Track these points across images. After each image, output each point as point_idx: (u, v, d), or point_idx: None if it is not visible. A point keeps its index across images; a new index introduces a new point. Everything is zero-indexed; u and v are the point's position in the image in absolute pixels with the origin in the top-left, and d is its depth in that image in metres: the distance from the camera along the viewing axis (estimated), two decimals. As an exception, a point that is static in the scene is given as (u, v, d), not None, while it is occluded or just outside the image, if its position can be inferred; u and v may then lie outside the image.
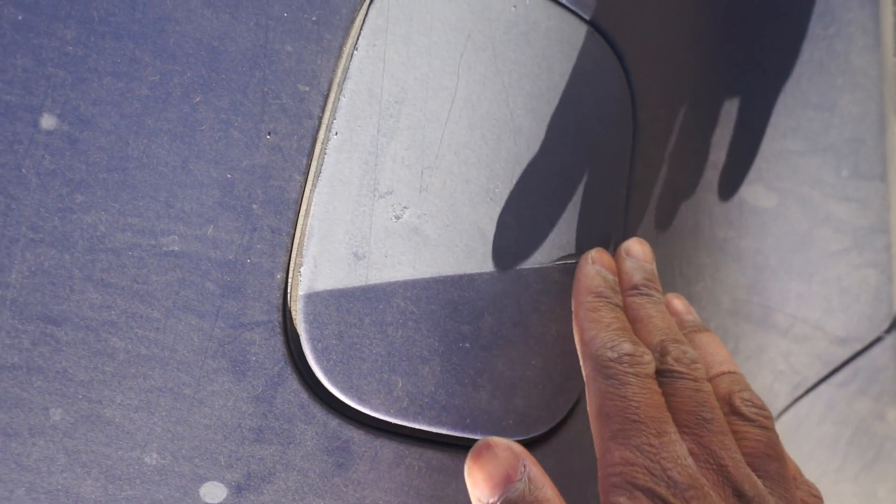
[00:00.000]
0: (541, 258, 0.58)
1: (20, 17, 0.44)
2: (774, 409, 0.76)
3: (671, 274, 0.68)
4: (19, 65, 0.44)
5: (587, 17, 0.61)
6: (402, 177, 0.53)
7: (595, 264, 0.57)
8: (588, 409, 0.51)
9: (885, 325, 0.82)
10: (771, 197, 0.74)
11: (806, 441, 0.80)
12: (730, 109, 0.71)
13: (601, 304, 0.55)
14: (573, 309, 0.56)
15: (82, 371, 0.45)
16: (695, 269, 0.70)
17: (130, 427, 0.46)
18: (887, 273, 0.81)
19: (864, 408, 0.83)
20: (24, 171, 0.44)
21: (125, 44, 0.46)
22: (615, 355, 0.50)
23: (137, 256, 0.46)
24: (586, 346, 0.52)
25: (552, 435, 0.60)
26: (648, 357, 0.51)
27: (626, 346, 0.50)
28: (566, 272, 0.60)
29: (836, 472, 0.83)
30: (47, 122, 0.44)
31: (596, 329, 0.52)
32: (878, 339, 0.81)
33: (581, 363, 0.53)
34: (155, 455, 0.47)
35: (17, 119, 0.44)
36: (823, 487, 0.82)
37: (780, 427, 0.77)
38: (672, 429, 0.48)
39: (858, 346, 0.81)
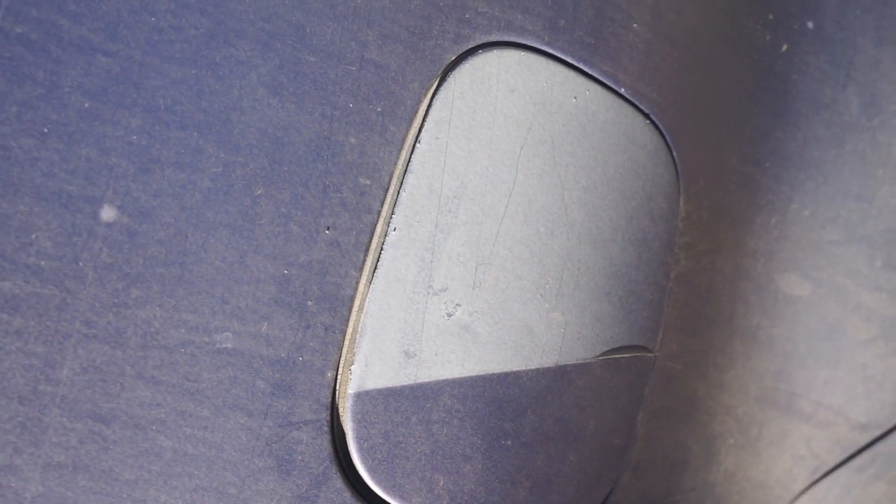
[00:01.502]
0: (584, 353, 0.56)
1: (87, 105, 0.42)
2: (791, 492, 0.75)
3: (705, 364, 0.66)
4: (83, 154, 0.41)
5: (645, 110, 0.59)
6: (456, 273, 0.50)
7: None
8: None
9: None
10: (805, 286, 0.72)
11: (820, 524, 0.78)
12: (772, 199, 0.69)
13: None
14: None
15: (128, 470, 0.43)
16: (727, 358, 0.68)
17: (174, 528, 0.44)
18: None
19: (879, 491, 0.81)
20: (81, 264, 0.42)
21: (189, 134, 0.44)
22: None
23: (190, 353, 0.44)
24: None
25: (584, 529, 0.58)
26: None
27: None
28: (607, 367, 0.58)
29: (846, 554, 0.82)
30: (107, 213, 0.42)
31: None
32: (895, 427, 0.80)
33: None
34: (197, 557, 0.45)
35: (78, 210, 0.41)
36: (832, 568, 0.80)
37: (796, 510, 0.75)
38: None
39: (878, 432, 0.79)
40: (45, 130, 0.41)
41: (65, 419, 0.41)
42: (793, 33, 0.69)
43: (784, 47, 0.68)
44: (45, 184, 0.41)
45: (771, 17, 0.67)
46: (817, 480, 0.76)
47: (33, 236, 0.41)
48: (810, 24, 0.70)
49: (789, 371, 0.72)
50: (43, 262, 0.41)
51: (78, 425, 0.41)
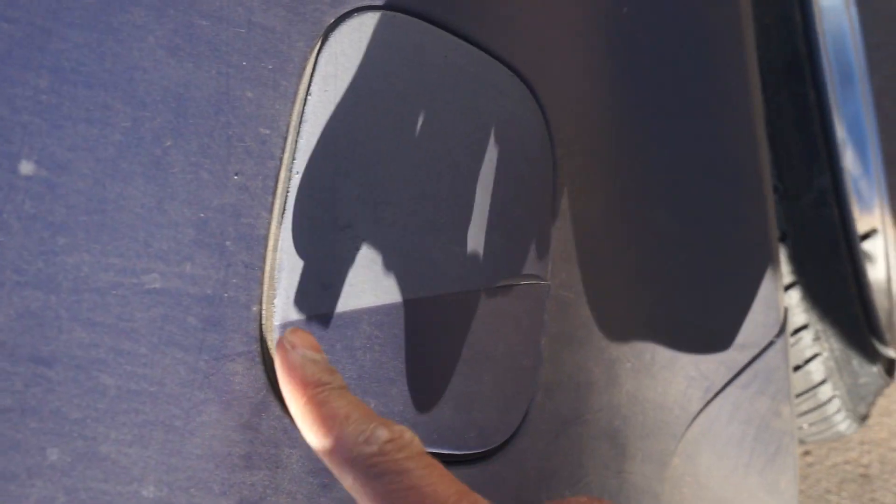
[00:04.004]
0: (484, 282, 0.59)
1: None
2: (689, 412, 0.79)
3: (594, 293, 0.70)
4: None
5: (509, 63, 0.63)
6: (358, 212, 0.53)
7: (297, 349, 0.45)
8: None
9: (776, 331, 0.86)
10: (671, 219, 0.77)
11: (718, 440, 0.82)
12: (630, 141, 0.74)
13: (325, 394, 0.42)
14: (292, 411, 0.44)
15: (75, 409, 0.43)
16: (612, 287, 0.72)
17: (126, 462, 0.44)
18: (774, 284, 0.86)
19: (764, 406, 0.86)
20: (5, 215, 0.42)
21: (97, 92, 0.45)
22: (375, 448, 0.39)
23: (121, 295, 0.45)
24: (334, 453, 0.40)
25: (507, 444, 0.60)
26: (409, 433, 0.40)
27: (382, 432, 0.39)
28: (507, 294, 0.61)
29: (745, 468, 0.86)
30: (25, 168, 0.43)
31: (335, 427, 0.40)
32: (770, 344, 0.85)
33: (337, 475, 0.41)
34: (152, 488, 0.45)
35: (-2, 168, 0.42)
36: (735, 482, 0.84)
37: (696, 429, 0.79)
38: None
39: (756, 351, 0.84)
40: None
41: (6, 364, 0.42)
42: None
43: (625, 8, 0.74)
44: (-37, 144, 0.42)
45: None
46: (710, 400, 0.80)
47: None
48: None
49: (671, 299, 0.76)
50: None
51: (20, 369, 0.42)
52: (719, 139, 0.82)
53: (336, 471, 0.40)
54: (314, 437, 0.42)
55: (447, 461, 0.54)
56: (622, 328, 0.72)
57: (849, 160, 1.62)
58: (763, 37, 0.94)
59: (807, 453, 1.69)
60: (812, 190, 0.98)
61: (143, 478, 0.44)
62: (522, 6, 0.65)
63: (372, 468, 0.38)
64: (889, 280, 1.50)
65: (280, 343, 0.45)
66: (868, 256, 1.58)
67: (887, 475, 1.62)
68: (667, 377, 0.77)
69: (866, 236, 1.59)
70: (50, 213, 0.43)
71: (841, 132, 1.47)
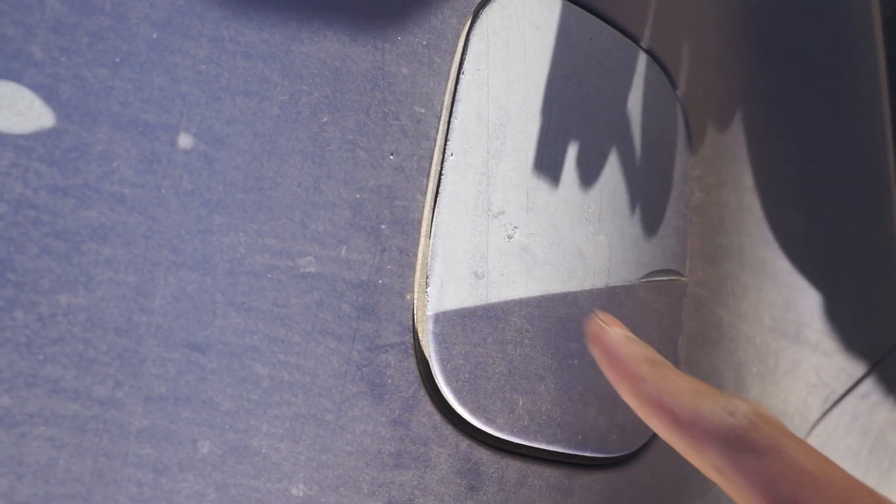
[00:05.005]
0: (629, 276, 0.55)
1: (155, 36, 0.39)
2: (808, 421, 0.74)
3: (725, 293, 0.65)
4: (155, 83, 0.39)
5: (649, 50, 0.59)
6: (511, 197, 0.49)
7: (612, 327, 0.40)
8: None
9: (892, 341, 0.81)
10: (800, 219, 0.72)
11: (834, 452, 0.78)
12: (763, 137, 0.70)
13: (663, 370, 0.37)
14: (626, 390, 0.38)
15: (228, 400, 0.40)
16: (742, 288, 0.67)
17: (277, 458, 0.41)
18: (895, 288, 0.81)
19: (882, 418, 0.81)
20: (163, 191, 0.39)
21: (255, 63, 0.41)
22: (743, 421, 0.33)
23: (276, 279, 0.41)
24: (694, 428, 0.34)
25: (645, 449, 0.56)
26: (762, 407, 0.34)
27: (742, 405, 0.33)
28: (650, 289, 0.56)
29: (861, 480, 0.81)
30: (184, 141, 0.40)
31: (690, 399, 0.35)
32: (891, 351, 0.80)
33: (696, 452, 0.34)
34: (301, 486, 0.41)
35: (156, 138, 0.39)
36: (848, 495, 0.79)
37: (813, 439, 0.74)
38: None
39: (876, 358, 0.79)
40: (117, 60, 0.38)
41: (161, 349, 0.38)
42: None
43: (755, 1, 0.69)
44: (121, 112, 0.38)
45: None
46: (829, 409, 0.75)
47: (114, 164, 0.38)
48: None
49: (795, 301, 0.71)
50: (126, 190, 0.38)
51: (175, 355, 0.38)
52: (848, 138, 0.76)
53: (694, 447, 0.34)
54: (662, 412, 0.35)
55: (590, 465, 0.50)
56: (749, 331, 0.68)
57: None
58: (886, 31, 0.88)
59: None
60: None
61: (293, 475, 0.41)
62: (659, 2, 0.61)
63: (745, 443, 0.32)
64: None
65: (592, 322, 0.40)
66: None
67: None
68: (789, 384, 0.72)
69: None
70: (207, 190, 0.39)
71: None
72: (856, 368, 0.77)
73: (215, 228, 0.39)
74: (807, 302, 0.73)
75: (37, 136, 0.37)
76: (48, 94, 0.37)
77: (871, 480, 0.81)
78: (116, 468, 0.37)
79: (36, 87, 0.37)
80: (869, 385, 0.78)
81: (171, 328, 0.38)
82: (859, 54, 0.77)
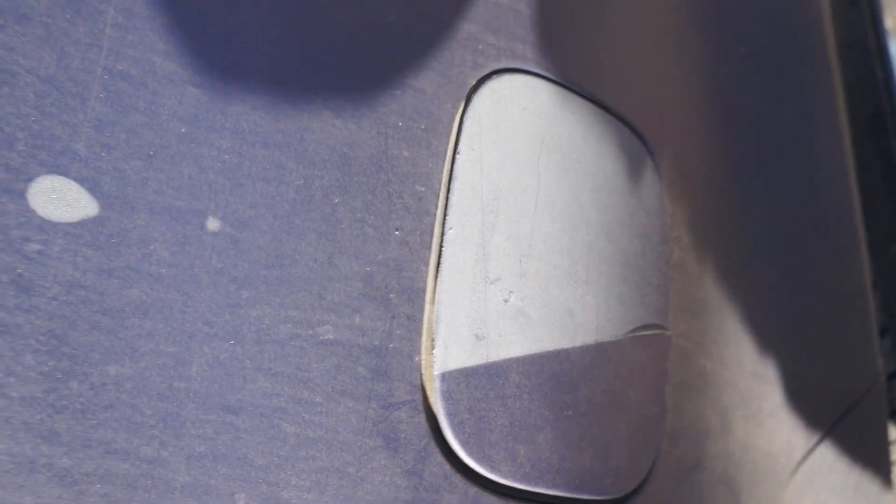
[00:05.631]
0: (616, 332, 0.59)
1: (183, 130, 0.44)
2: (793, 459, 0.78)
3: (707, 343, 0.70)
4: (185, 172, 0.44)
5: (627, 122, 0.64)
6: (505, 265, 0.53)
7: None
8: None
9: (872, 378, 0.85)
10: (772, 274, 0.77)
11: (821, 490, 0.81)
12: (736, 199, 0.75)
13: None
14: None
15: (260, 456, 0.43)
16: (724, 337, 0.72)
17: (304, 508, 0.44)
18: (868, 331, 0.85)
19: (864, 454, 0.85)
20: (195, 270, 0.43)
21: (272, 152, 0.46)
22: None
23: (299, 346, 0.45)
24: None
25: (639, 490, 0.60)
26: None
27: None
28: (636, 343, 0.61)
29: (845, 516, 0.85)
30: (212, 224, 0.44)
31: None
32: (867, 391, 0.84)
33: None
34: (327, 533, 0.45)
35: (187, 222, 0.43)
36: (835, 532, 0.83)
37: (799, 477, 0.78)
38: None
39: (853, 398, 0.83)
40: (151, 153, 0.43)
41: (200, 412, 0.42)
42: (732, 59, 0.76)
43: (725, 69, 0.75)
44: (156, 200, 0.43)
45: (713, 43, 0.74)
46: (812, 449, 0.79)
47: (151, 247, 0.42)
48: (742, 51, 0.77)
49: (774, 347, 0.76)
50: (163, 270, 0.42)
51: (212, 417, 0.42)
52: (816, 194, 0.82)
53: None
54: None
55: (587, 508, 0.54)
56: (732, 377, 0.72)
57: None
58: (848, 93, 0.94)
59: None
60: (899, 240, 0.98)
61: (320, 524, 0.45)
62: (640, 71, 0.66)
63: None
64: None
65: None
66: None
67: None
68: (773, 425, 0.76)
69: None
70: (234, 268, 0.44)
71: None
72: (834, 409, 0.81)
73: (243, 302, 0.44)
74: (785, 348, 0.77)
75: (83, 224, 0.41)
76: (92, 186, 0.42)
77: (856, 516, 0.84)
78: (160, 522, 0.41)
79: (81, 180, 0.41)
80: (848, 424, 0.82)
81: (208, 393, 0.42)
82: (824, 119, 0.83)
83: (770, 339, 0.75)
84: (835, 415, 0.81)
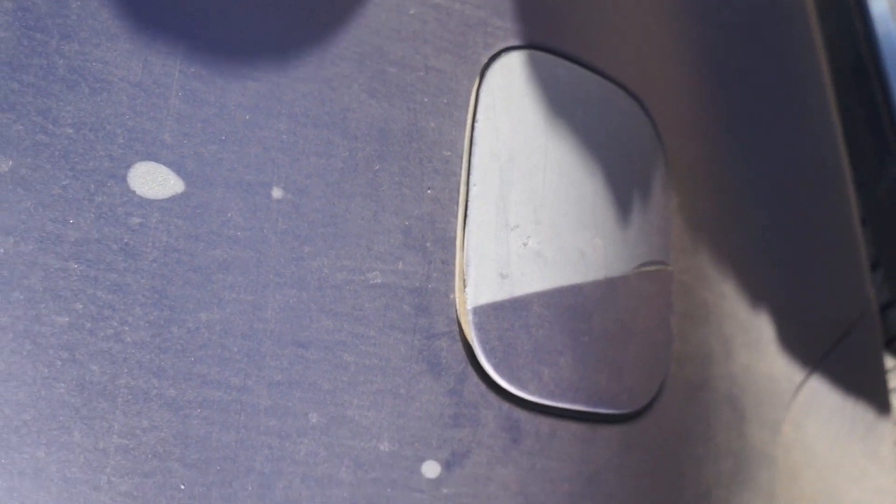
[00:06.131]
0: (623, 268, 0.68)
1: (248, 117, 0.53)
2: (793, 382, 0.86)
3: (707, 278, 0.78)
4: (252, 152, 0.53)
5: (624, 86, 0.72)
6: (523, 214, 0.62)
7: None
8: None
9: (864, 307, 0.93)
10: (766, 214, 0.85)
11: (822, 410, 0.89)
12: (733, 153, 0.83)
13: None
14: None
15: (327, 382, 0.53)
16: (723, 273, 0.80)
17: (367, 423, 0.54)
18: (859, 264, 0.93)
19: (861, 375, 0.93)
20: (265, 231, 0.52)
21: (321, 130, 0.55)
22: None
23: (353, 290, 0.54)
24: None
25: (650, 406, 0.69)
26: None
27: None
28: (642, 278, 0.69)
29: (847, 436, 0.93)
30: (276, 193, 0.53)
31: None
32: (859, 319, 0.92)
33: None
34: (387, 443, 0.54)
35: (256, 193, 0.52)
36: (839, 449, 0.91)
37: (801, 399, 0.86)
38: None
39: (848, 325, 0.91)
40: (223, 138, 0.52)
41: (276, 347, 0.51)
42: (717, 23, 0.84)
43: (710, 33, 0.83)
44: (230, 176, 0.52)
45: (698, 9, 0.82)
46: (811, 372, 0.87)
47: (229, 215, 0.51)
48: (726, 14, 0.85)
49: (772, 282, 0.84)
50: (239, 233, 0.51)
51: (286, 351, 0.51)
52: (803, 140, 0.89)
53: None
54: None
55: (607, 420, 0.63)
56: (733, 308, 0.80)
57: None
58: (828, 46, 1.01)
59: None
60: (887, 177, 1.05)
61: (380, 435, 0.54)
62: (632, 39, 0.74)
63: None
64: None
65: None
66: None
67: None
68: (773, 351, 0.84)
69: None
70: (296, 228, 0.53)
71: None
72: (828, 336, 0.89)
73: (305, 255, 0.53)
74: (783, 283, 0.85)
75: (173, 199, 0.50)
76: (178, 168, 0.51)
77: (858, 433, 0.92)
78: (252, 437, 0.50)
79: (169, 164, 0.51)
80: (845, 348, 0.90)
81: (281, 331, 0.51)
82: (807, 72, 0.90)
83: (767, 273, 0.84)
84: (829, 342, 0.89)
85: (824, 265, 0.88)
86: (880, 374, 0.94)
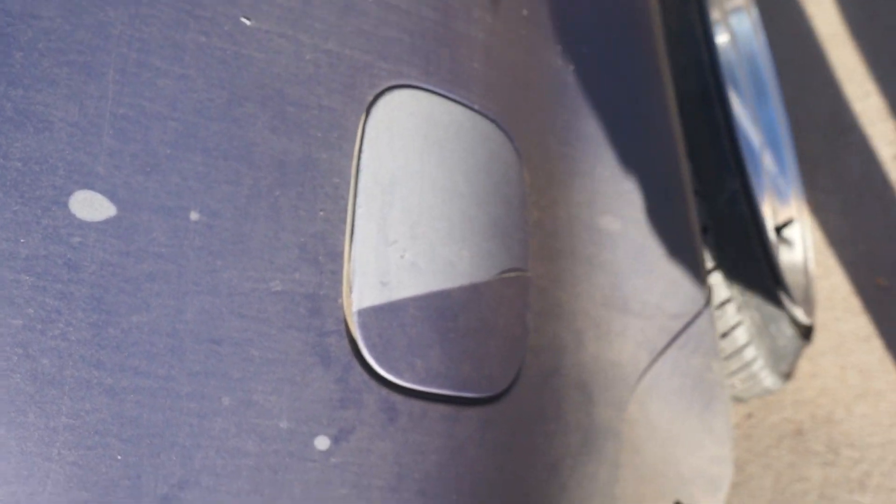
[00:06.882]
0: (486, 274, 0.85)
1: (168, 151, 0.67)
2: (638, 369, 1.04)
3: (562, 281, 0.95)
4: (172, 181, 0.67)
5: (493, 119, 0.88)
6: (401, 231, 0.78)
7: None
8: None
9: (703, 302, 1.13)
10: (616, 223, 1.03)
11: (663, 391, 1.08)
12: (582, 167, 1.00)
13: None
14: None
15: (237, 372, 0.67)
16: (575, 277, 0.98)
17: (269, 405, 0.69)
18: (698, 267, 1.12)
19: (697, 363, 1.12)
20: (184, 247, 0.67)
21: (230, 163, 0.70)
22: None
23: (258, 296, 0.69)
24: None
25: (509, 390, 0.85)
26: None
27: None
28: (502, 282, 0.86)
29: (686, 412, 1.12)
30: (193, 216, 0.67)
31: None
32: (699, 312, 1.12)
33: None
34: (286, 422, 0.69)
35: (176, 216, 0.66)
36: (679, 425, 1.10)
37: (645, 382, 1.05)
38: None
39: (688, 319, 1.11)
40: (148, 170, 0.66)
41: (194, 344, 0.66)
42: (576, 57, 1.01)
43: (571, 67, 1.00)
44: (154, 201, 0.66)
45: (560, 47, 0.99)
46: (655, 359, 1.06)
47: (154, 234, 0.65)
48: (585, 49, 1.02)
49: (619, 282, 1.02)
50: (163, 249, 0.66)
51: (203, 347, 0.66)
52: (652, 159, 1.08)
53: None
54: None
55: (468, 403, 0.79)
56: (585, 306, 0.98)
57: (767, 161, 1.91)
58: (679, 74, 1.20)
59: (749, 416, 1.97)
60: (725, 191, 1.25)
61: (280, 415, 0.69)
62: (501, 74, 0.90)
63: None
64: (805, 261, 1.78)
65: None
66: (787, 242, 1.87)
67: (818, 428, 1.91)
68: (621, 342, 1.03)
69: (784, 225, 1.88)
70: (210, 245, 0.67)
71: (758, 139, 1.76)
72: (672, 327, 1.08)
73: (218, 268, 0.67)
74: (628, 282, 1.04)
75: (107, 222, 0.64)
76: (111, 195, 0.64)
77: (695, 410, 1.12)
78: (176, 417, 0.64)
79: (103, 191, 0.64)
80: (684, 339, 1.09)
81: (199, 331, 0.66)
82: (655, 97, 1.09)
83: (616, 275, 1.02)
84: (672, 332, 1.08)
85: (668, 267, 1.07)
86: (716, 361, 1.14)
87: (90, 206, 0.64)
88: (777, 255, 1.39)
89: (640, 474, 1.05)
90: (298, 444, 0.68)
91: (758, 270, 1.31)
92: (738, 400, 1.76)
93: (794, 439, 1.93)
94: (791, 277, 1.55)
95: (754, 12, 1.85)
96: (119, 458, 0.62)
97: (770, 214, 1.64)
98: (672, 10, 1.25)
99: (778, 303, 1.36)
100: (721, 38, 1.21)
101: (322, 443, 0.70)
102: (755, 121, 1.72)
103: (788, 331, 1.45)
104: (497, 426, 0.83)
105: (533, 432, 0.87)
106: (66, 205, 0.62)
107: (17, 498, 0.59)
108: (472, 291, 0.82)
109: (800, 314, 1.47)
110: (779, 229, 1.78)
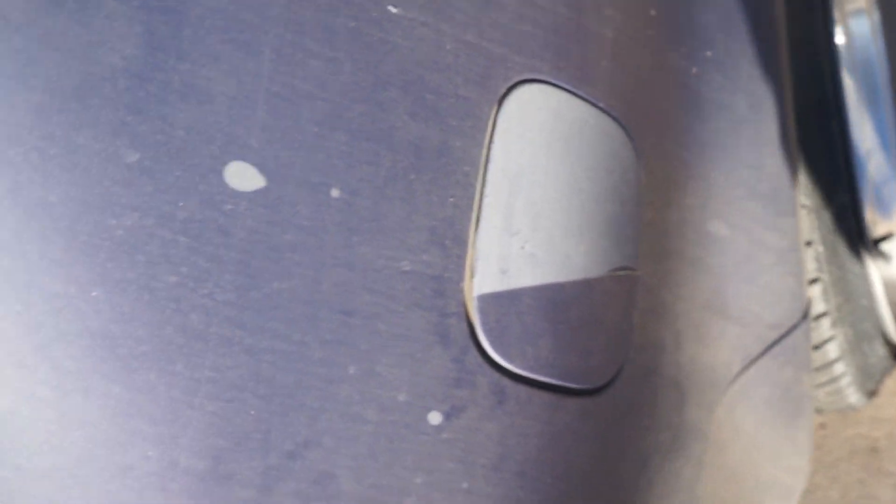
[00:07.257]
0: (598, 271, 0.89)
1: (315, 130, 0.72)
2: (731, 373, 1.08)
3: (668, 282, 0.99)
4: (317, 158, 0.72)
5: (614, 116, 0.92)
6: (523, 222, 0.82)
7: None
8: None
9: (801, 315, 1.15)
10: (725, 228, 1.06)
11: (752, 398, 1.11)
12: (698, 171, 1.03)
13: None
14: None
15: (365, 343, 0.73)
16: (681, 278, 1.01)
17: (391, 377, 0.74)
18: (799, 280, 1.15)
19: (788, 374, 1.15)
20: (324, 222, 0.72)
21: (372, 144, 0.75)
22: None
23: (389, 274, 0.74)
24: None
25: (611, 384, 0.90)
26: None
27: None
28: (612, 280, 0.90)
29: (772, 422, 1.15)
30: (335, 192, 0.73)
31: None
32: (796, 325, 1.14)
33: None
34: (404, 395, 0.75)
35: (319, 191, 0.72)
36: (763, 433, 1.13)
37: (735, 387, 1.08)
38: None
39: (784, 330, 1.13)
40: (296, 146, 0.71)
41: (328, 313, 0.71)
42: (700, 60, 1.04)
43: (694, 70, 1.03)
44: (300, 176, 0.71)
45: (685, 49, 1.02)
46: (747, 366, 1.09)
47: (298, 207, 0.71)
48: (709, 53, 1.05)
49: (722, 288, 1.05)
50: (305, 222, 0.71)
51: (336, 317, 0.72)
52: (762, 165, 1.10)
53: None
54: None
55: (571, 393, 0.84)
56: (687, 308, 1.01)
57: (872, 168, 1.91)
58: (798, 82, 1.22)
59: (822, 426, 1.98)
60: (833, 205, 1.27)
61: (400, 388, 0.74)
62: (627, 74, 0.94)
63: None
64: (901, 278, 1.79)
65: None
66: (885, 256, 1.87)
67: (893, 448, 1.92)
68: (717, 346, 1.06)
69: (883, 239, 1.88)
70: (348, 221, 0.72)
71: (865, 146, 1.76)
72: (768, 337, 1.11)
73: (354, 244, 0.73)
74: (730, 288, 1.07)
75: (256, 192, 0.70)
76: (261, 168, 0.70)
77: (781, 420, 1.15)
78: (306, 380, 0.70)
79: (254, 164, 0.70)
80: (778, 349, 1.12)
81: (332, 301, 0.71)
82: (774, 105, 1.11)
83: (718, 281, 1.05)
84: (768, 342, 1.11)
85: (770, 277, 1.10)
86: (807, 374, 1.16)
87: (242, 176, 0.69)
88: (873, 274, 1.40)
89: (721, 476, 1.09)
90: (413, 417, 0.74)
91: (858, 288, 1.32)
92: (816, 411, 1.78)
93: (867, 456, 1.94)
94: (888, 294, 1.56)
95: (876, 16, 1.84)
96: (252, 413, 0.68)
97: (870, 226, 1.64)
98: (797, 18, 1.26)
99: (874, 322, 1.38)
100: (839, 40, 1.23)
101: (435, 418, 0.75)
102: (865, 126, 1.72)
103: (881, 350, 1.47)
104: (595, 418, 0.87)
105: (627, 426, 0.91)
106: (221, 174, 0.68)
107: (163, 438, 0.65)
108: (585, 286, 0.86)
109: (894, 333, 1.48)
110: (877, 242, 1.79)
